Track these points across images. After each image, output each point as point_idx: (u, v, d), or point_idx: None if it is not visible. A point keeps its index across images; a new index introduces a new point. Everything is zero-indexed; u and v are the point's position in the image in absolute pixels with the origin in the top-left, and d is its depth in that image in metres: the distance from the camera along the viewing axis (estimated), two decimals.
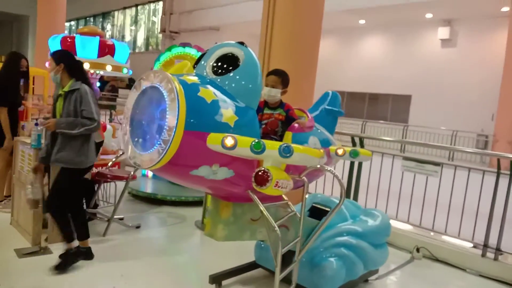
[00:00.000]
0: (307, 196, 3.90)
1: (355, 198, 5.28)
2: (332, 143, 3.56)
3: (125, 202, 5.58)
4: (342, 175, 5.56)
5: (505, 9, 13.00)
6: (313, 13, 5.34)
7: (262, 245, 3.56)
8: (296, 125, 3.00)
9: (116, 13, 27.78)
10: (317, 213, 3.65)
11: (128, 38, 26.84)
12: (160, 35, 22.95)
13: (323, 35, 19.61)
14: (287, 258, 3.20)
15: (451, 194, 4.76)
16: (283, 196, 2.91)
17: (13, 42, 35.49)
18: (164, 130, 2.17)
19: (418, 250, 4.57)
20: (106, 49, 6.66)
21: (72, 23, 31.11)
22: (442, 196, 4.86)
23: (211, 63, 2.55)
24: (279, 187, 2.26)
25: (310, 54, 5.39)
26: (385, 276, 4.00)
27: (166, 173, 2.47)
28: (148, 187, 5.98)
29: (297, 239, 2.94)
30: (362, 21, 16.90)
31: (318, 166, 2.81)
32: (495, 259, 4.24)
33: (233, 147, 2.16)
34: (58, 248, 3.88)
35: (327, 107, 3.79)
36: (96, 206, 4.81)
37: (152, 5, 24.68)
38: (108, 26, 28.89)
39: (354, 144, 5.34)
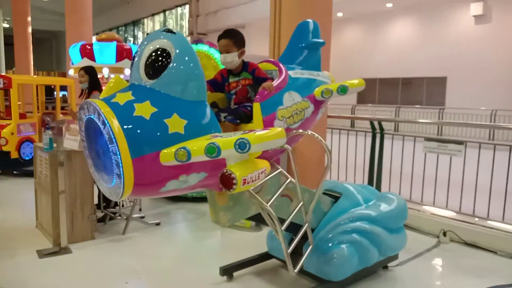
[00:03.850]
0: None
1: (378, 184, 5.11)
2: (318, 84, 3.10)
3: (147, 201, 5.67)
4: (364, 160, 5.42)
5: None
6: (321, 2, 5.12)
7: (273, 235, 3.50)
8: (263, 90, 2.66)
9: (145, 20, 28.43)
10: None
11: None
12: (189, 38, 23.27)
13: (349, 22, 19.39)
14: (297, 245, 3.13)
15: (476, 174, 4.51)
16: (276, 164, 2.74)
17: (53, 57, 37.28)
18: (113, 165, 2.04)
19: (445, 234, 4.35)
20: (124, 54, 6.86)
21: (115, 33, 32.16)
22: (469, 177, 4.61)
23: (143, 66, 2.25)
24: (248, 183, 2.10)
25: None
26: (407, 262, 3.83)
27: (138, 196, 2.34)
28: None
29: (300, 204, 2.80)
30: (389, 5, 16.38)
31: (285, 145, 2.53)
32: None
33: (188, 158, 1.99)
34: (78, 248, 4.02)
35: (315, 40, 3.22)
36: (116, 204, 4.92)
37: (179, 9, 25.04)
38: (139, 34, 29.63)
39: (381, 129, 5.11)
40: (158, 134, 2.08)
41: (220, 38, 2.76)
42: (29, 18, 17.54)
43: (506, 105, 13.05)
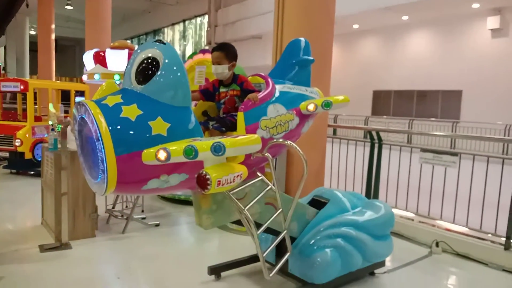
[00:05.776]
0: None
1: (376, 194, 5.17)
2: (305, 99, 3.21)
3: (150, 203, 5.85)
4: (362, 171, 5.48)
5: None
6: (324, 17, 5.17)
7: (263, 237, 3.59)
8: (248, 101, 2.79)
9: (166, 29, 29.08)
10: (317, 205, 3.66)
11: (178, 52, 27.95)
12: (207, 47, 23.67)
13: (365, 34, 19.45)
14: (282, 248, 3.24)
15: (470, 186, 4.53)
16: (257, 172, 2.85)
17: (76, 63, 38.36)
18: (99, 161, 2.19)
19: (437, 244, 4.38)
20: None
21: (128, 42, 32.97)
22: (463, 189, 4.63)
23: (134, 73, 2.40)
24: (223, 184, 2.21)
25: (322, 58, 5.12)
26: (395, 270, 3.88)
27: (121, 193, 2.46)
28: None
29: (278, 211, 2.90)
30: (405, 17, 16.37)
31: (263, 153, 2.67)
32: None
33: (168, 159, 2.11)
34: (78, 244, 4.21)
35: (305, 57, 3.35)
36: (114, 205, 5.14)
37: (198, 19, 25.54)
38: None
39: (380, 140, 5.21)
40: (142, 134, 2.22)
41: (213, 50, 2.94)
42: (53, 26, 18.19)
43: None
